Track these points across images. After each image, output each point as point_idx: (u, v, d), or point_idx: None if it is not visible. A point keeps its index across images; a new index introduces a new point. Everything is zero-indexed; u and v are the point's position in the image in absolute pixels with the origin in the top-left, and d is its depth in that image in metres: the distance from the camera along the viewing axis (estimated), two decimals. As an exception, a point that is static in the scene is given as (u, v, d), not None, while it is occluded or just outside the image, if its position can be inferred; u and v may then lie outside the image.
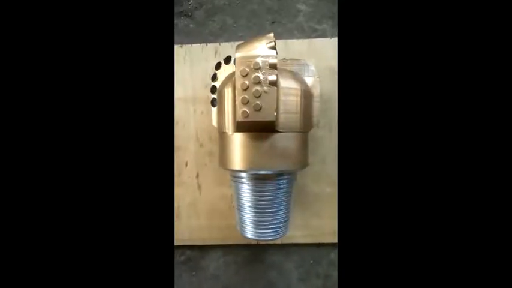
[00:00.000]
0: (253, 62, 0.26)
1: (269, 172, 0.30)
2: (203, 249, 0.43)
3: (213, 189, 0.41)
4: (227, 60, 0.37)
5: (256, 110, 0.27)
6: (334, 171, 0.40)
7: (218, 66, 0.37)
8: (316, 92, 0.35)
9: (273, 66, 0.26)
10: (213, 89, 0.37)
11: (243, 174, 0.32)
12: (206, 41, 0.41)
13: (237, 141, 0.30)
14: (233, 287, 0.42)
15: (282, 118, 0.29)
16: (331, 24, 0.41)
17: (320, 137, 0.40)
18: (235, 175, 0.33)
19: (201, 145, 0.41)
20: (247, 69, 0.27)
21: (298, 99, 0.30)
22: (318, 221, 0.40)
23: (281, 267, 0.42)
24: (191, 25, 0.42)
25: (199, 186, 0.41)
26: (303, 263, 0.42)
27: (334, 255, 0.42)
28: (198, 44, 0.41)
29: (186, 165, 0.41)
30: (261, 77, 0.26)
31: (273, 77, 0.26)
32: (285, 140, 0.30)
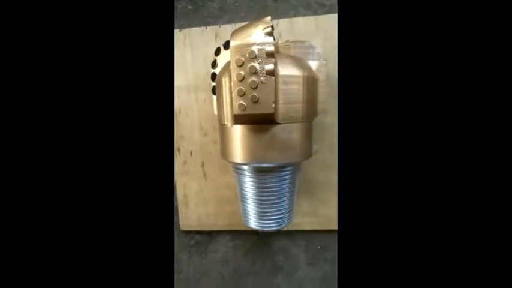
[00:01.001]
0: (248, 51, 0.25)
1: (271, 165, 0.30)
2: (212, 234, 0.44)
3: (219, 177, 0.41)
4: (226, 45, 0.35)
5: (253, 102, 0.25)
6: (342, 158, 0.38)
7: (218, 51, 0.35)
8: (321, 76, 0.32)
9: (270, 55, 0.24)
10: (214, 76, 0.36)
11: (245, 167, 0.32)
12: (205, 23, 0.39)
13: (237, 134, 0.29)
14: (242, 269, 0.44)
15: (283, 109, 0.27)
16: (340, -3, 0.37)
17: (328, 123, 0.38)
18: (237, 167, 0.33)
19: (205, 134, 0.40)
20: (243, 59, 0.25)
21: (301, 87, 0.28)
22: (325, 208, 0.40)
23: (288, 252, 0.43)
24: (189, 6, 0.40)
25: (204, 175, 0.41)
26: (310, 248, 0.42)
27: (342, 241, 0.42)
28: (198, 28, 0.39)
29: (191, 154, 0.41)
30: (258, 66, 0.25)
31: (270, 66, 0.25)
32: (286, 132, 0.28)
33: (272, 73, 0.25)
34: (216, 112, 0.36)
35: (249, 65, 0.25)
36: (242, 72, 0.25)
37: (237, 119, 0.27)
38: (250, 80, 0.25)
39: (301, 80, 0.28)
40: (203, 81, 0.39)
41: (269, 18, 0.26)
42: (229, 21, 0.39)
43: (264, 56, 0.25)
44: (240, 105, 0.26)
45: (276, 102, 0.26)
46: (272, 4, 0.38)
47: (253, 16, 0.38)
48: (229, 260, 0.44)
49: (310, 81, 0.29)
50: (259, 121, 0.27)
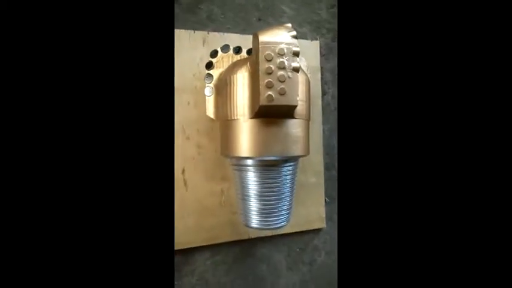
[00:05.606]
0: (278, 48, 0.27)
1: (280, 158, 0.31)
2: (187, 254, 0.39)
3: (202, 185, 0.38)
4: (224, 48, 0.36)
5: (281, 94, 0.27)
6: (318, 162, 0.43)
7: (215, 54, 0.36)
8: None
9: (296, 54, 0.28)
10: (208, 77, 0.36)
11: (249, 162, 0.32)
12: (193, 28, 0.39)
13: (251, 128, 0.30)
14: (223, 286, 0.40)
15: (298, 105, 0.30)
16: (309, 28, 0.45)
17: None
18: (239, 163, 0.32)
19: (188, 138, 0.38)
20: (272, 54, 0.27)
21: (305, 87, 0.32)
22: (303, 209, 0.43)
23: (270, 259, 0.42)
24: (177, 10, 0.39)
25: (185, 183, 0.38)
26: (291, 252, 0.43)
27: (317, 240, 0.45)
28: (185, 31, 0.38)
29: (171, 160, 0.37)
30: (286, 62, 0.27)
31: (296, 64, 0.28)
32: (297, 126, 0.31)
33: (297, 70, 0.28)
34: (209, 113, 0.35)
35: (279, 60, 0.27)
36: (272, 66, 0.27)
37: (261, 111, 0.28)
38: (279, 74, 0.27)
39: (305, 80, 0.32)
40: (188, 84, 0.38)
41: (290, 24, 0.29)
42: (216, 30, 0.40)
43: (291, 54, 0.28)
44: (269, 96, 0.27)
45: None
46: (255, 23, 0.42)
47: (238, 29, 0.41)
48: (208, 281, 0.39)
49: (308, 86, 0.34)
50: (280, 114, 0.29)
